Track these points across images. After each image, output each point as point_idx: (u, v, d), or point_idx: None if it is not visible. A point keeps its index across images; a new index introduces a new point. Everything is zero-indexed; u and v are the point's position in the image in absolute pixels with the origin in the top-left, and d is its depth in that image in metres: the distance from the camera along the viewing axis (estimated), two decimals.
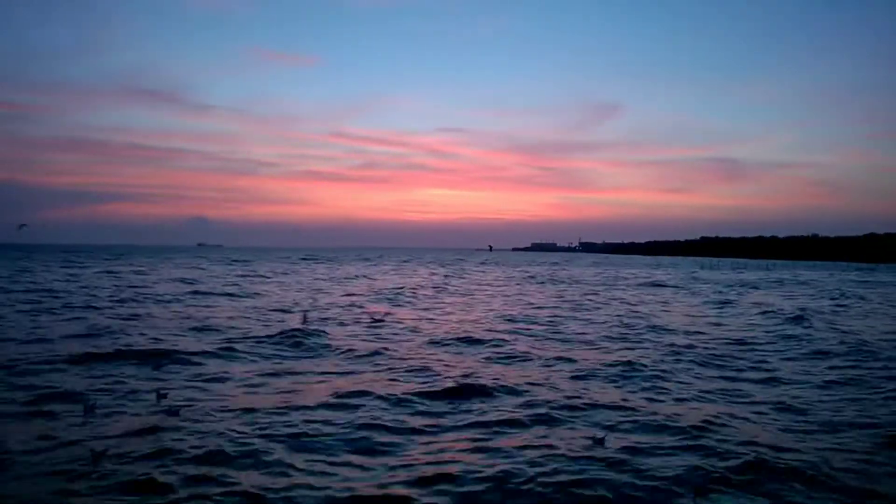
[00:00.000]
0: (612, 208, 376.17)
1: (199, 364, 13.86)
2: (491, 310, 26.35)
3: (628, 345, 17.13)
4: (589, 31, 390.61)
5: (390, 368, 13.54)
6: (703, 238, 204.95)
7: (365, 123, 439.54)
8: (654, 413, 9.94)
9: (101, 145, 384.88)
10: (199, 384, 11.94)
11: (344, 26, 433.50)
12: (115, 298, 28.16)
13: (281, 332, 17.87)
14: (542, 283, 47.97)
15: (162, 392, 10.59)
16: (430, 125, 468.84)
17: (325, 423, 9.32)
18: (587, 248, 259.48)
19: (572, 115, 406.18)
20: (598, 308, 27.60)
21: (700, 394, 11.58)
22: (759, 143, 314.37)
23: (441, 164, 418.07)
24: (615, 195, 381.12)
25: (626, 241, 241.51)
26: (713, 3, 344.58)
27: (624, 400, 10.85)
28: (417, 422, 9.50)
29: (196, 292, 32.59)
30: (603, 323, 22.04)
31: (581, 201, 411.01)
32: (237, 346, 15.89)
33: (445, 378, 12.32)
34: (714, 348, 16.78)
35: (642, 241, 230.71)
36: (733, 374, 13.61)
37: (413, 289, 38.30)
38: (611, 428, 9.09)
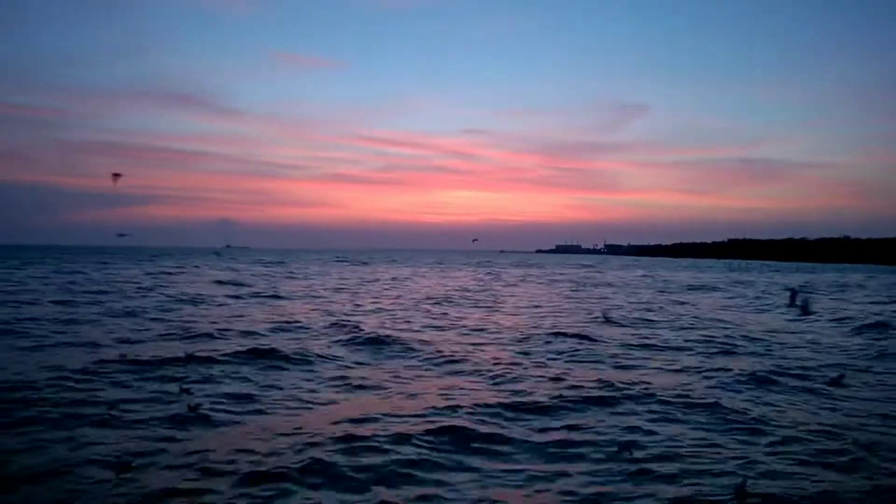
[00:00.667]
0: (637, 210, 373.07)
1: (312, 364, 13.94)
2: (558, 312, 26.14)
3: (755, 357, 15.79)
4: (613, 31, 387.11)
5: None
6: (730, 240, 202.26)
7: (387, 126, 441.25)
8: None
9: (133, 148, 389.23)
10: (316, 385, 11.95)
11: (367, 29, 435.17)
12: (184, 300, 28.40)
13: (364, 335, 17.87)
14: (586, 286, 47.50)
15: (184, 387, 10.80)
16: (453, 127, 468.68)
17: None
18: (612, 250, 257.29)
19: (596, 115, 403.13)
20: (675, 312, 27.14)
21: None
22: (787, 143, 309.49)
23: (463, 165, 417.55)
24: (639, 196, 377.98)
25: (651, 244, 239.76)
26: (740, 0, 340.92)
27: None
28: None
29: (257, 294, 32.82)
30: (691, 328, 21.63)
31: (605, 203, 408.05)
32: (337, 350, 15.95)
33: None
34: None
35: (668, 243, 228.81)
36: None
37: (470, 290, 38.26)
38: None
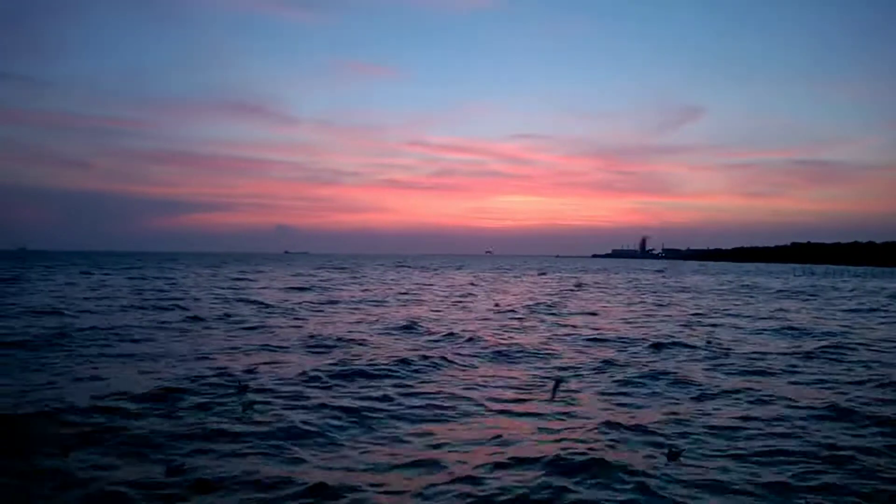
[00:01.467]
0: (695, 213, 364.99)
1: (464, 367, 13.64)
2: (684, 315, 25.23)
3: None
4: (669, 32, 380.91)
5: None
6: (793, 244, 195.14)
7: (442, 131, 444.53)
8: None
9: (196, 157, 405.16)
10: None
11: (424, 36, 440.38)
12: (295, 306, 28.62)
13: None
14: (671, 292, 46.10)
15: (242, 384, 10.81)
16: (507, 132, 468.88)
17: None
18: (671, 254, 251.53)
19: (653, 117, 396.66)
20: (783, 320, 25.78)
21: None
22: (851, 144, 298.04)
23: (517, 170, 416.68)
24: (698, 200, 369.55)
25: (711, 248, 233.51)
26: None
27: None
28: None
29: (362, 300, 32.99)
30: (820, 335, 20.38)
31: (662, 206, 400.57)
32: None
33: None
34: None
35: (728, 247, 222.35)
36: None
37: (559, 294, 37.63)
38: None
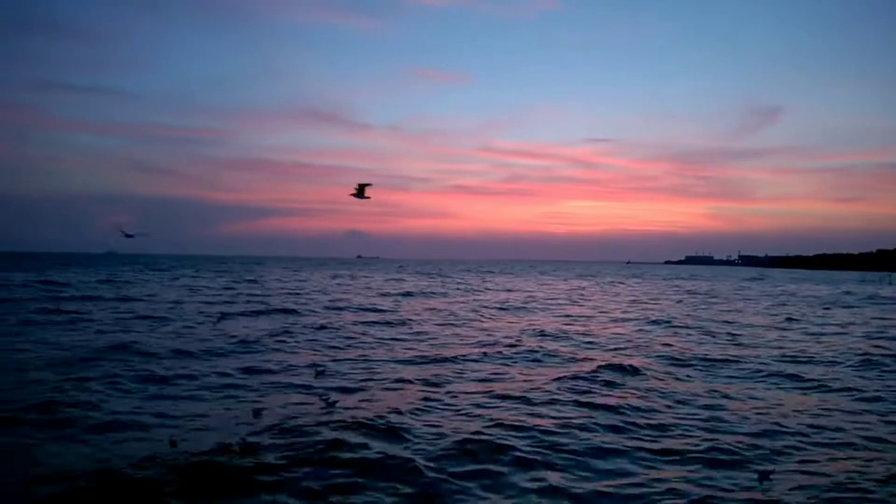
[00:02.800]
0: (774, 219, 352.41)
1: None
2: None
3: None
4: (746, 30, 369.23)
5: None
6: (879, 251, 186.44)
7: (512, 137, 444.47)
8: None
9: (272, 164, 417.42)
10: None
11: (493, 42, 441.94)
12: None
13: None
14: (791, 301, 45.24)
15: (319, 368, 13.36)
16: (577, 136, 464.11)
17: None
18: (747, 261, 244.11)
19: (730, 119, 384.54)
20: None
21: None
22: None
23: (587, 174, 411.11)
24: (777, 205, 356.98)
25: (791, 254, 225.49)
26: None
27: None
28: None
29: (483, 305, 34.08)
30: None
31: (739, 212, 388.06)
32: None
33: None
34: None
35: (809, 253, 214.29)
36: None
37: (677, 305, 37.70)
38: None
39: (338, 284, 53.50)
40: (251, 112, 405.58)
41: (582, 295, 47.00)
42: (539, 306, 34.87)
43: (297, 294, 40.35)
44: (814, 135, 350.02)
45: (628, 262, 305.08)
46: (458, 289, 51.17)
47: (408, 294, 42.67)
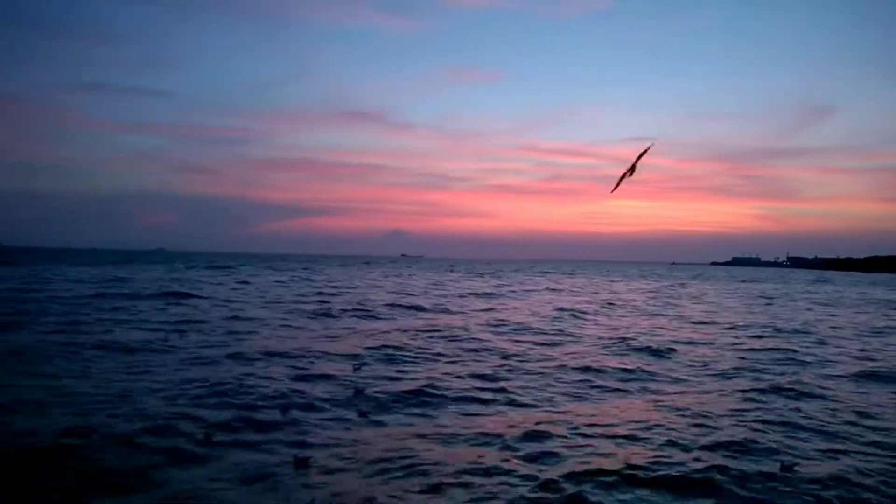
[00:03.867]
0: (824, 220, 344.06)
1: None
2: None
3: None
4: (796, 27, 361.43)
5: None
6: None
7: (553, 135, 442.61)
8: None
9: (313, 164, 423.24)
10: None
11: (534, 39, 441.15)
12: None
13: None
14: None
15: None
16: (620, 134, 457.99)
17: None
18: (795, 262, 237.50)
19: (779, 118, 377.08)
20: None
21: None
22: None
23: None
24: (827, 205, 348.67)
25: (841, 256, 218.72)
26: None
27: None
28: None
29: (609, 308, 33.10)
30: None
31: (787, 212, 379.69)
32: None
33: None
34: None
35: (860, 255, 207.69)
36: None
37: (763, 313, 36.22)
38: None
39: (433, 286, 52.82)
40: (291, 112, 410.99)
41: (673, 296, 45.69)
42: (647, 307, 33.80)
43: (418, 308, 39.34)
44: (866, 133, 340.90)
45: (673, 263, 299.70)
46: (550, 289, 50.29)
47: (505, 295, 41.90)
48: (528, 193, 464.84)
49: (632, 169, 9.65)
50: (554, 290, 50.24)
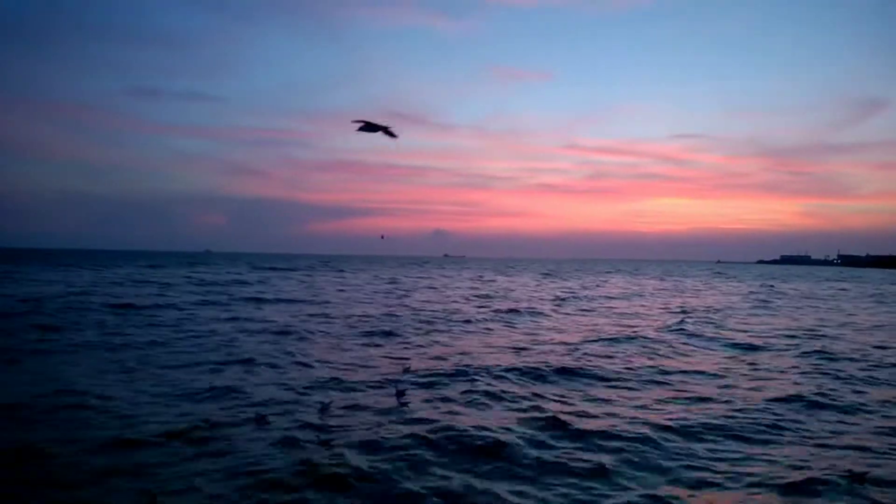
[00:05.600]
0: (878, 216, 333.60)
1: None
2: None
3: None
4: (844, 19, 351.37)
5: None
6: None
7: (596, 134, 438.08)
8: None
9: (358, 165, 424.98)
10: None
11: (577, 39, 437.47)
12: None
13: None
14: None
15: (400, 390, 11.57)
16: (665, 132, 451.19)
17: None
18: (847, 261, 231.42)
19: (829, 112, 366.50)
20: None
21: None
22: None
23: (675, 172, 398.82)
24: (880, 202, 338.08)
25: (894, 254, 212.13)
26: None
27: None
28: None
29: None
30: None
31: (839, 209, 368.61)
32: None
33: None
34: None
35: None
36: None
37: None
38: None
39: (513, 289, 52.37)
40: (337, 114, 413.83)
41: (768, 297, 44.42)
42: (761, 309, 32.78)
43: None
44: None
45: (718, 262, 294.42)
46: (633, 292, 49.36)
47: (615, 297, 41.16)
48: (569, 192, 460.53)
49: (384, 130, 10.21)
50: (661, 290, 49.22)
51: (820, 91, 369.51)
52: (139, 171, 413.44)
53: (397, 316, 25.27)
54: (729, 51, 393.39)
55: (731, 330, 23.11)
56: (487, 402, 11.47)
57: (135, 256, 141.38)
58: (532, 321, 25.40)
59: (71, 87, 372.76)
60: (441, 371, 14.17)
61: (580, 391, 12.66)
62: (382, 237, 36.95)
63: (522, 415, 10.57)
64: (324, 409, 10.49)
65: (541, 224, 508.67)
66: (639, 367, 15.25)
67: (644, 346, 18.65)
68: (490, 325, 23.53)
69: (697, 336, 21.39)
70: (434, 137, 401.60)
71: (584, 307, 32.46)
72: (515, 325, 23.82)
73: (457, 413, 10.59)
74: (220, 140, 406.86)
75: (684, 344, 19.63)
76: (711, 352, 18.36)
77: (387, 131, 10.34)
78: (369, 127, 10.14)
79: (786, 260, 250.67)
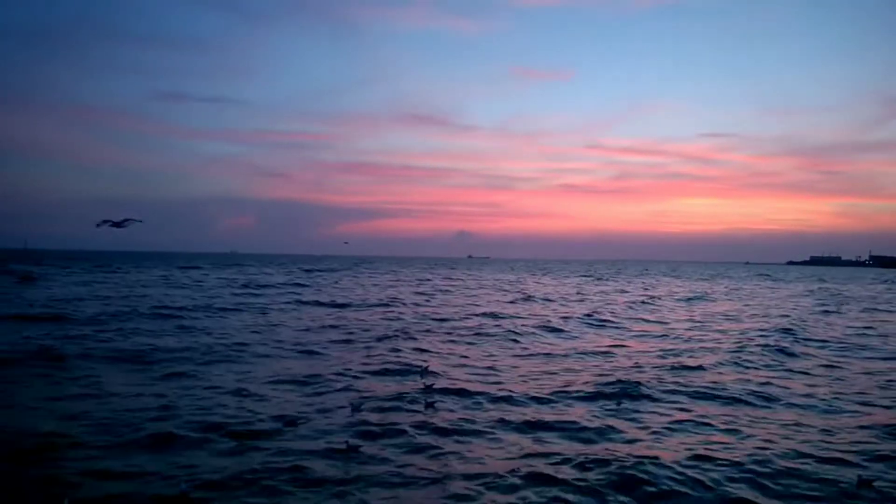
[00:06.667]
0: None
1: None
2: None
3: None
4: (880, 15, 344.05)
5: None
6: None
7: (621, 133, 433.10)
8: None
9: (379, 167, 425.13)
10: None
11: (598, 37, 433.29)
12: None
13: None
14: None
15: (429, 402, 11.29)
16: (692, 131, 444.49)
17: None
18: (879, 261, 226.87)
19: (861, 110, 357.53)
20: None
21: None
22: None
23: (703, 171, 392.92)
24: None
25: None
26: None
27: None
28: None
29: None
30: None
31: (871, 209, 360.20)
32: None
33: None
34: None
35: None
36: None
37: None
38: None
39: (578, 293, 51.00)
40: (359, 117, 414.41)
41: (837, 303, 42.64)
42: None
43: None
44: None
45: (747, 263, 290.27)
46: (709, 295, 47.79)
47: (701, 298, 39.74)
48: (594, 193, 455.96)
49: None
50: (733, 291, 47.62)
51: (853, 88, 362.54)
52: (165, 175, 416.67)
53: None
54: (758, 48, 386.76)
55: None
56: None
57: (165, 258, 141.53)
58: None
59: (100, 92, 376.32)
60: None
61: None
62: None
63: None
64: None
65: (565, 225, 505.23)
66: None
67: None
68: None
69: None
70: (456, 139, 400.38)
71: (702, 313, 31.09)
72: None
73: None
74: (245, 143, 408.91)
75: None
76: None
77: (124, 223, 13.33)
78: (115, 224, 13.11)
79: (815, 261, 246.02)
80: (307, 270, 77.43)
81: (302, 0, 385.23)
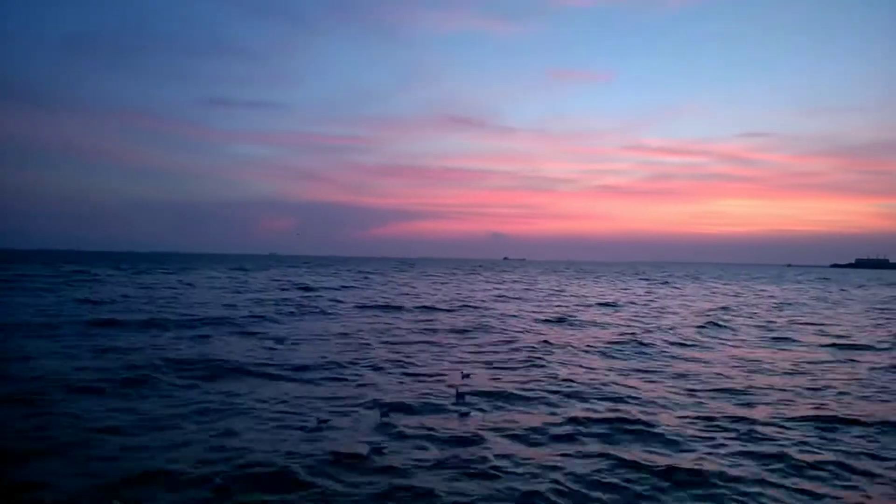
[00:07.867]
0: None
1: None
2: None
3: None
4: None
5: None
6: None
7: (660, 134, 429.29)
8: None
9: (417, 170, 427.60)
10: None
11: (636, 37, 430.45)
12: None
13: None
14: None
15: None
16: (731, 131, 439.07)
17: None
18: None
19: None
20: None
21: None
22: None
23: (742, 172, 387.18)
24: None
25: None
26: None
27: None
28: None
29: None
30: None
31: None
32: None
33: None
34: None
35: None
36: None
37: None
38: None
39: (657, 298, 48.94)
40: (397, 120, 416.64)
41: None
42: None
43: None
44: None
45: (788, 265, 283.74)
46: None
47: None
48: (632, 194, 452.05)
49: None
50: (816, 300, 45.14)
51: (894, 87, 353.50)
52: (208, 178, 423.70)
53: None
54: (798, 47, 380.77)
55: None
56: None
57: (208, 260, 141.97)
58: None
59: (147, 98, 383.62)
60: None
61: None
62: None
63: None
64: None
65: (602, 226, 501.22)
66: None
67: None
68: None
69: None
70: (494, 140, 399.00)
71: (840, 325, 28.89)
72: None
73: None
74: (285, 146, 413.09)
75: None
76: None
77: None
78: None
79: (861, 263, 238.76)
80: (361, 273, 76.51)
81: (344, 7, 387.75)
